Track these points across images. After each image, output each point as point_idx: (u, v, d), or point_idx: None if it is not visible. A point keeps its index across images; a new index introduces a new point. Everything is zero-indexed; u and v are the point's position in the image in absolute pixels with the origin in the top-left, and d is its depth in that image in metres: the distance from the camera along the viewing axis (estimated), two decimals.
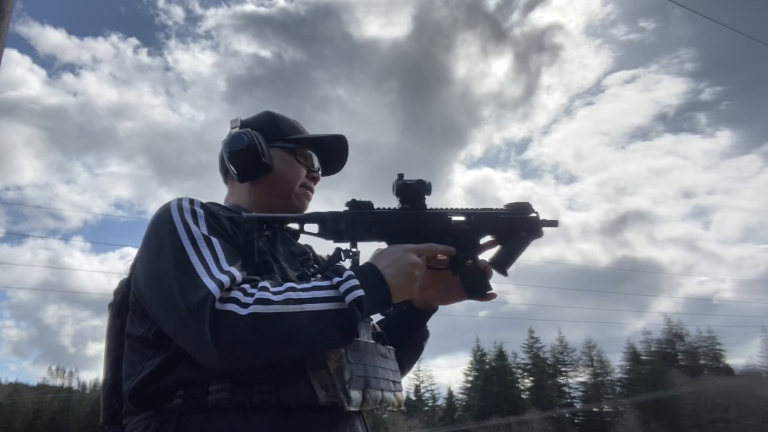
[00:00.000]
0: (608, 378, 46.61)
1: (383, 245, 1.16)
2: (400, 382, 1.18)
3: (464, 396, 47.91)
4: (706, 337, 47.76)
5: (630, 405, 40.98)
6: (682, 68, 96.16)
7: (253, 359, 0.94)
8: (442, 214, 1.20)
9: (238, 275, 0.98)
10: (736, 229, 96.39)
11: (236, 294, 0.94)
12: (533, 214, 1.23)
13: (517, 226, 1.22)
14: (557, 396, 45.53)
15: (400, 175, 1.19)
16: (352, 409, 1.01)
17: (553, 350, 47.52)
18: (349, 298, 0.98)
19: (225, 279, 0.95)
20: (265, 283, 0.98)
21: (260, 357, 0.94)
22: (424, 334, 1.39)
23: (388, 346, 1.19)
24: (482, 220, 1.21)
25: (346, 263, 1.13)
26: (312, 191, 1.37)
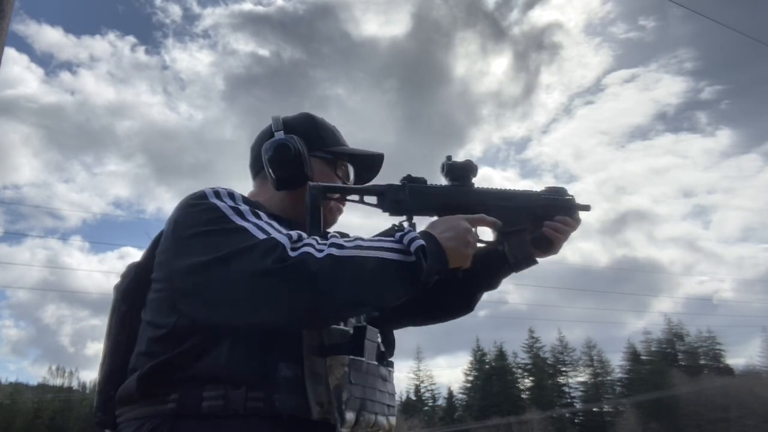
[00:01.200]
0: (608, 378, 46.67)
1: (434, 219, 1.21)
2: (394, 407, 1.18)
3: (464, 396, 47.96)
4: (706, 337, 47.89)
5: (630, 405, 40.97)
6: (681, 67, 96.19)
7: (335, 303, 0.94)
8: (490, 192, 1.31)
9: (304, 234, 0.99)
10: (736, 229, 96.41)
11: (309, 241, 0.96)
12: (568, 197, 1.38)
13: (553, 206, 1.36)
14: (557, 396, 45.54)
15: (449, 157, 1.31)
16: (344, 430, 1.00)
17: (553, 350, 47.61)
18: (413, 246, 1.00)
19: (294, 234, 0.96)
20: (334, 233, 1.00)
21: (341, 301, 0.94)
22: (489, 285, 1.43)
23: (389, 368, 1.19)
24: (525, 198, 1.35)
25: None
26: (344, 205, 1.35)
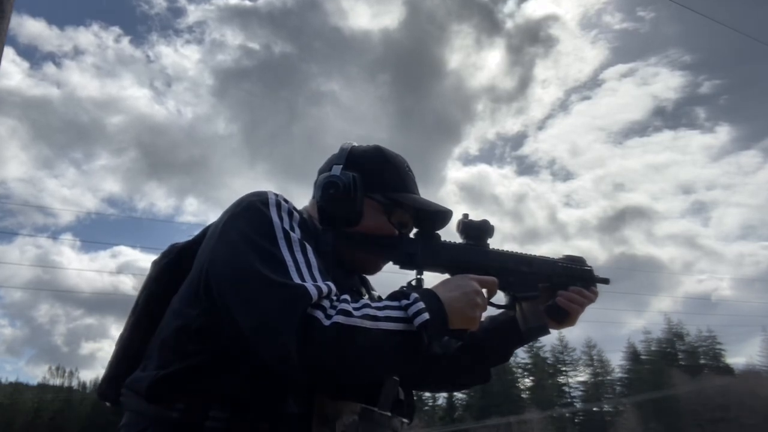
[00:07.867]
0: (608, 377, 46.79)
1: (446, 277, 1.17)
2: None
3: (464, 395, 47.98)
4: (706, 336, 47.92)
5: (630, 405, 41.02)
6: (679, 61, 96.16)
7: (329, 371, 0.92)
8: (505, 254, 1.27)
9: (334, 288, 0.97)
10: (736, 226, 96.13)
11: (325, 303, 0.93)
12: (587, 268, 1.35)
13: (571, 276, 1.32)
14: (557, 396, 45.63)
15: (465, 215, 1.27)
16: None
17: (553, 350, 47.73)
18: (417, 321, 0.96)
19: (324, 287, 0.94)
20: (347, 296, 0.97)
21: (336, 370, 0.92)
22: (501, 357, 1.38)
23: (403, 419, 1.14)
24: (542, 265, 1.31)
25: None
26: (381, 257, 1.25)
